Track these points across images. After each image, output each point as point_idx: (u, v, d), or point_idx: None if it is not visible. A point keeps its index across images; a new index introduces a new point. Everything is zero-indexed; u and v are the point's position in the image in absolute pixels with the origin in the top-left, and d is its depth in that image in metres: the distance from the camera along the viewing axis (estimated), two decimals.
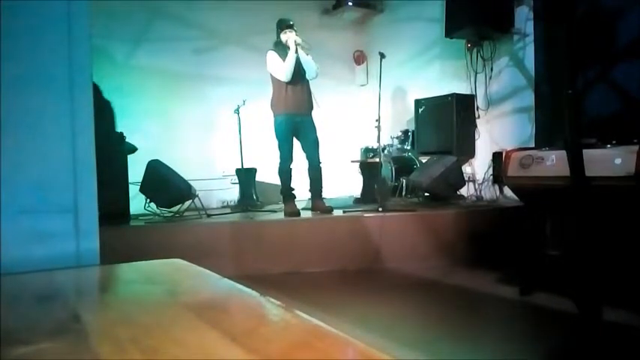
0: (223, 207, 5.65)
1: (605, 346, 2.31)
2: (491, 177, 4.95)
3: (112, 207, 3.92)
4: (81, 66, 1.31)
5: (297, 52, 4.35)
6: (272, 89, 4.47)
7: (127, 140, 4.56)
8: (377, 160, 5.07)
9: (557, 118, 3.41)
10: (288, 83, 4.36)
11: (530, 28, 4.92)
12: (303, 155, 4.48)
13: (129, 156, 4.50)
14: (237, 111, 5.05)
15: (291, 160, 4.43)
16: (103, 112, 3.99)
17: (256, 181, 5.53)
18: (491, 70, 5.29)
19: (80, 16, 1.31)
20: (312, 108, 4.48)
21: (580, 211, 2.43)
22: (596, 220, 2.45)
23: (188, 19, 5.76)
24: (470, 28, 5.10)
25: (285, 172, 4.45)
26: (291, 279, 3.79)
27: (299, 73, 4.41)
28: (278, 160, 4.44)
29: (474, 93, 5.39)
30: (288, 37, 4.38)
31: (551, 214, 3.17)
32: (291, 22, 4.47)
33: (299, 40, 4.37)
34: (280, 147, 4.41)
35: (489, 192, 5.21)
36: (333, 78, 6.40)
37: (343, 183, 6.21)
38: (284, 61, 4.35)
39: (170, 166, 4.51)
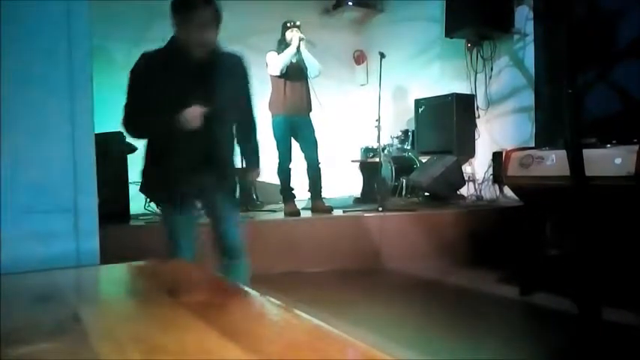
0: None
1: (605, 346, 2.31)
2: (491, 177, 4.93)
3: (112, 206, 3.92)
4: (81, 66, 1.31)
5: (298, 48, 4.35)
6: (270, 89, 4.47)
7: (126, 140, 4.56)
8: (377, 160, 5.07)
9: (557, 117, 3.41)
10: (287, 82, 4.35)
11: (530, 27, 4.91)
12: (302, 155, 4.47)
13: (128, 156, 4.49)
14: None
15: (289, 160, 4.42)
16: None
17: (256, 180, 5.51)
18: (492, 69, 5.29)
19: (80, 16, 1.31)
20: (310, 109, 4.47)
21: (580, 211, 2.43)
22: (596, 220, 2.45)
23: None
24: (470, 28, 5.10)
25: (284, 173, 4.44)
26: (291, 279, 3.79)
27: (300, 72, 4.40)
28: (277, 161, 4.43)
29: (474, 93, 5.39)
30: (294, 34, 4.38)
31: (551, 214, 3.16)
32: (298, 23, 4.48)
33: (303, 37, 4.37)
34: (278, 147, 4.40)
35: (489, 192, 5.21)
36: (333, 78, 6.39)
37: (343, 183, 6.21)
38: None
39: None
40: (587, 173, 2.37)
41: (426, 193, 5.17)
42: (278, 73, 4.33)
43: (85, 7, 1.32)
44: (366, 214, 4.30)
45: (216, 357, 0.61)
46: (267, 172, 5.29)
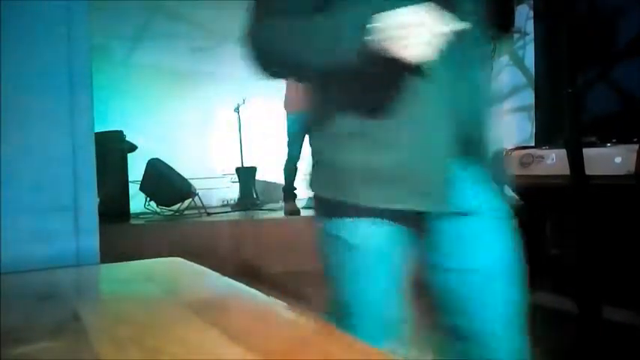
0: (223, 205, 5.65)
1: (605, 346, 2.31)
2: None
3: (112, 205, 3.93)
4: (81, 66, 1.31)
5: None
6: (285, 88, 4.46)
7: (126, 139, 4.57)
8: None
9: (557, 116, 3.40)
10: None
11: (530, 27, 4.91)
12: (305, 154, 4.48)
13: (129, 154, 4.50)
14: (237, 109, 5.06)
15: (299, 158, 4.43)
16: None
17: (256, 179, 5.53)
18: (491, 69, 5.29)
19: (80, 16, 1.31)
20: None
21: (580, 210, 2.43)
22: (597, 219, 2.45)
23: (187, 17, 5.75)
24: None
25: (291, 171, 4.45)
26: (291, 278, 3.79)
27: None
28: (285, 158, 4.42)
29: None
30: None
31: (551, 214, 3.16)
32: None
33: None
34: (291, 145, 4.39)
35: None
36: None
37: None
38: None
39: (170, 164, 4.52)
40: (587, 172, 2.37)
41: None
42: None
43: (85, 6, 1.32)
44: None
45: (217, 356, 0.61)
46: (268, 171, 5.31)
